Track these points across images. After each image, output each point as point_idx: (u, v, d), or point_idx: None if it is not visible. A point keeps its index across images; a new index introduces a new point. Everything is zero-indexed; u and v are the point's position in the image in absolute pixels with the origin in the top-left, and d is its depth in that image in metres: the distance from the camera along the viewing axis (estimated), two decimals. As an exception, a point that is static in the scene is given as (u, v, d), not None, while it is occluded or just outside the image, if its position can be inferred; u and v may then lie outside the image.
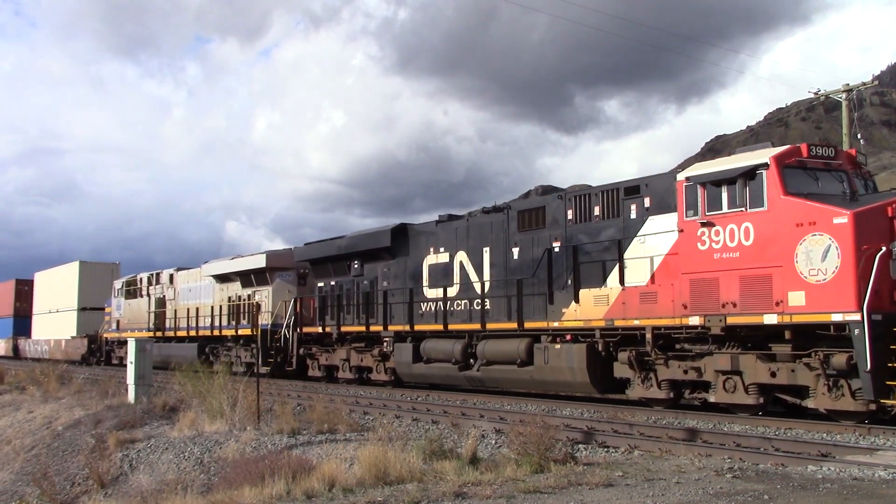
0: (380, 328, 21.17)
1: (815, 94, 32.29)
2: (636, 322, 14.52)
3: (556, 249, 16.41)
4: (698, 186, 13.61)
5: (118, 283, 38.60)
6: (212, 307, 29.86)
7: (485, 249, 18.37)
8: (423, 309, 19.90)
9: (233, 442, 12.90)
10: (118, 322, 37.80)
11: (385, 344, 20.96)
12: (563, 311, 16.04)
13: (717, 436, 11.09)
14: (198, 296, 31.43)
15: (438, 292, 19.39)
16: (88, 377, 26.31)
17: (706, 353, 13.71)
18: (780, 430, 11.96)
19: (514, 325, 17.13)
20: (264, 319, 26.38)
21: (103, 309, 40.88)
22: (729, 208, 13.17)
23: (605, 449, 10.70)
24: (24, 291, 52.63)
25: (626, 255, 14.90)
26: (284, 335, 25.34)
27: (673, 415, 14.03)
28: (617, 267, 15.06)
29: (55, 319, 46.11)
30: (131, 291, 36.86)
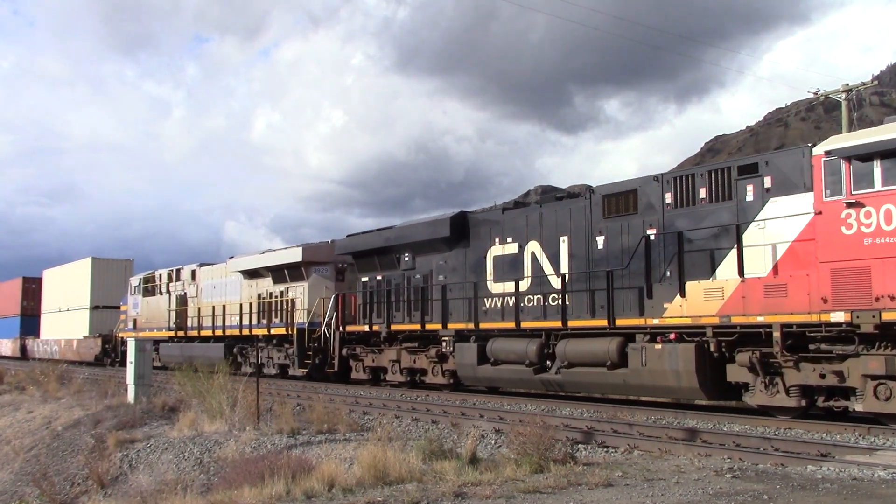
0: (438, 327, 19.29)
1: (815, 94, 32.32)
2: (760, 319, 12.69)
3: (652, 237, 14.67)
4: (842, 162, 11.92)
5: (135, 280, 36.82)
6: (240, 305, 28.02)
7: (562, 239, 16.62)
8: (487, 305, 18.19)
9: (232, 442, 12.90)
10: (135, 321, 35.98)
11: (444, 344, 19.09)
12: (665, 306, 14.24)
13: (717, 436, 11.09)
14: (223, 293, 29.67)
15: (506, 287, 17.67)
16: (88, 377, 26.32)
17: (851, 355, 11.89)
18: (780, 430, 11.96)
19: (602, 323, 15.36)
20: (300, 317, 24.82)
21: (118, 307, 39.48)
22: (884, 185, 11.49)
23: (605, 449, 10.71)
24: (31, 290, 51.25)
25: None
26: (324, 334, 23.54)
27: (672, 415, 14.03)
28: (731, 256, 13.34)
29: (66, 318, 44.54)
30: (149, 289, 35.02)
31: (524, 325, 17.03)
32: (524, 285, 17.30)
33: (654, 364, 14.13)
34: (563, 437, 10.78)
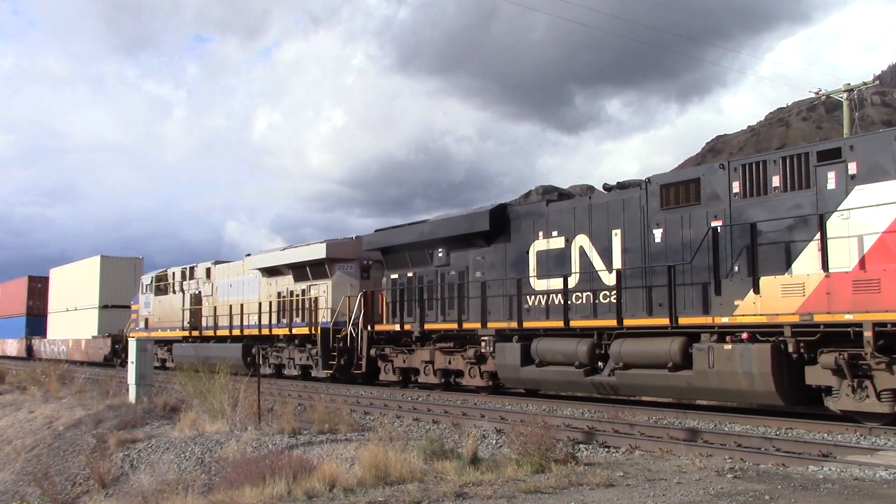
0: (476, 326, 18.22)
1: (816, 93, 32.32)
2: (848, 317, 11.73)
3: (718, 229, 13.72)
4: None
5: (146, 279, 35.67)
6: (258, 304, 27.03)
7: (614, 232, 15.67)
8: (530, 303, 17.20)
9: (233, 442, 12.91)
10: (146, 320, 34.94)
11: (483, 344, 17.96)
12: (736, 303, 13.21)
13: (718, 436, 11.09)
14: (240, 291, 28.63)
15: (551, 283, 16.71)
16: (89, 377, 26.33)
17: None
18: (781, 430, 11.95)
19: (662, 321, 14.39)
20: (324, 317, 23.93)
21: (127, 307, 38.59)
22: None
23: (606, 449, 10.71)
24: (37, 289, 50.44)
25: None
26: (350, 334, 22.44)
27: (674, 415, 14.02)
28: (810, 249, 12.43)
29: (73, 318, 43.59)
30: (161, 287, 33.94)
31: (573, 323, 16.00)
32: (571, 282, 16.38)
33: (724, 366, 13.09)
34: (565, 437, 10.79)
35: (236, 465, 11.01)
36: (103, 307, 40.99)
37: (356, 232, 28.67)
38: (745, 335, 13.05)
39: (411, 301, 20.59)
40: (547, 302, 16.83)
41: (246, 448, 12.42)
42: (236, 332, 28.16)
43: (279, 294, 26.39)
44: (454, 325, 18.94)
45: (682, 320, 14.09)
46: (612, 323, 15.24)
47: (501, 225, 18.19)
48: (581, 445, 10.89)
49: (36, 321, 49.43)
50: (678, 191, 14.71)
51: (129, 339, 35.95)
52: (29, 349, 48.34)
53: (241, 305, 28.01)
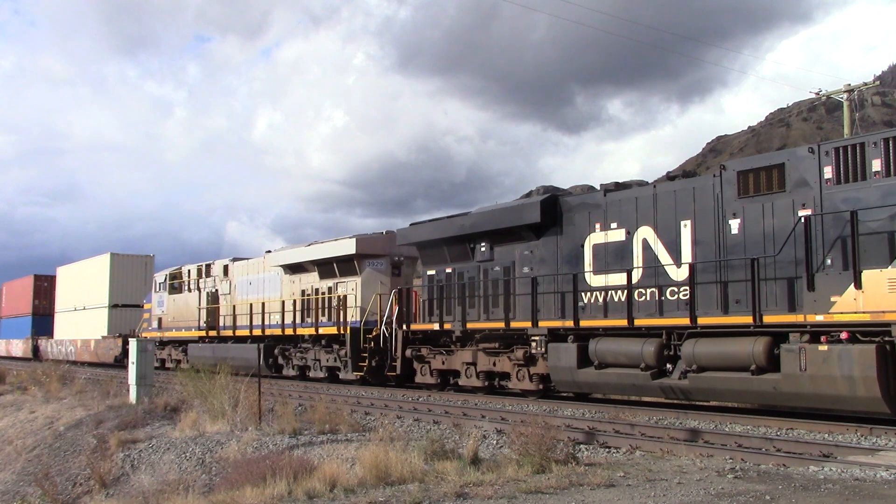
0: (526, 325, 16.97)
1: (817, 94, 32.33)
2: None
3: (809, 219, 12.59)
4: None
5: (160, 277, 34.30)
6: (281, 302, 25.80)
7: (683, 223, 14.58)
8: (585, 300, 16.13)
9: (234, 442, 12.91)
10: (160, 320, 33.62)
11: (534, 344, 16.75)
12: (833, 299, 11.97)
13: (719, 436, 11.09)
14: (260, 289, 27.38)
15: (610, 279, 15.67)
16: (90, 377, 26.34)
17: None
18: (782, 430, 11.95)
19: (743, 320, 13.22)
20: (353, 316, 22.74)
21: (138, 306, 37.52)
22: None
23: (607, 449, 10.71)
24: (43, 288, 48.91)
25: None
26: (383, 334, 21.32)
27: (675, 415, 14.01)
28: None
29: (82, 317, 42.16)
30: (176, 286, 32.66)
31: (638, 322, 14.84)
32: (635, 277, 15.27)
33: (818, 369, 11.93)
34: (565, 438, 10.78)
35: (237, 466, 11.02)
36: (113, 306, 39.73)
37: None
38: (843, 335, 11.90)
39: (450, 299, 19.44)
40: (605, 299, 15.77)
41: (246, 448, 12.42)
42: (257, 332, 26.93)
43: (303, 292, 25.30)
44: (500, 325, 17.68)
45: (768, 318, 12.94)
46: (684, 321, 14.04)
47: (552, 216, 17.01)
48: (582, 446, 10.90)
49: (42, 321, 48.05)
50: (759, 177, 13.60)
51: (139, 339, 35.89)
52: (35, 349, 47.10)
53: (263, 304, 26.71)
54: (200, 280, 31.13)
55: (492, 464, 9.47)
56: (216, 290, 30.12)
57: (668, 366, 14.42)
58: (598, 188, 16.99)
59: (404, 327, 20.61)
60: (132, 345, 20.02)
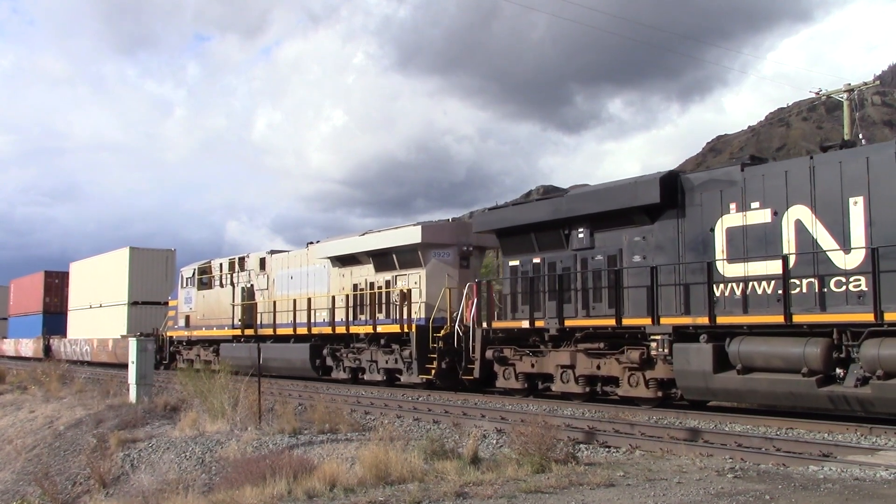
0: (644, 321, 14.79)
1: (817, 93, 32.32)
2: None
3: None
4: None
5: (187, 271, 31.97)
6: (331, 297, 23.52)
7: (853, 200, 12.41)
8: (717, 293, 14.02)
9: (234, 442, 12.91)
10: (187, 318, 31.32)
11: (654, 345, 14.57)
12: None
13: (719, 436, 11.10)
14: (303, 284, 25.20)
15: (751, 268, 13.53)
16: (90, 377, 26.31)
17: None
18: (782, 430, 11.96)
19: None
20: (416, 312, 20.66)
21: (159, 303, 35.75)
22: None
23: (607, 449, 10.71)
24: (54, 285, 46.76)
25: None
26: (457, 333, 19.15)
27: (674, 415, 14.00)
28: None
29: (98, 316, 39.83)
30: (205, 281, 30.42)
31: (799, 318, 12.65)
32: (779, 265, 13.20)
33: None
34: (565, 437, 10.79)
35: (237, 465, 11.02)
36: (133, 304, 37.34)
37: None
38: None
39: (540, 292, 17.21)
40: (744, 291, 13.59)
41: (246, 448, 12.42)
42: (302, 331, 24.51)
43: (355, 286, 23.10)
44: (609, 322, 15.50)
45: None
46: (864, 317, 11.84)
47: (672, 197, 14.93)
48: (581, 445, 10.90)
49: (54, 319, 45.74)
50: None
51: (165, 338, 32.91)
52: (47, 349, 44.14)
53: (309, 299, 24.24)
54: (233, 274, 28.88)
55: (492, 463, 9.48)
56: (251, 286, 27.89)
57: (839, 371, 12.23)
58: (733, 162, 15.00)
59: (484, 325, 18.32)
60: (132, 344, 20.00)
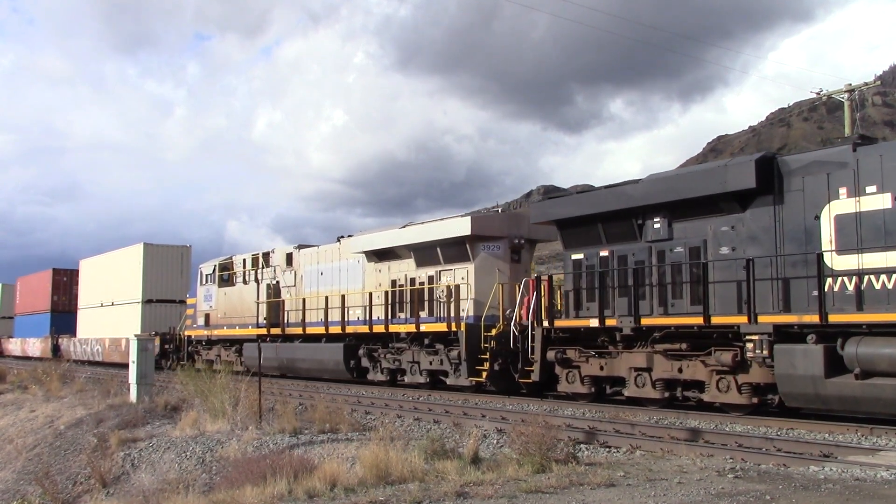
0: (738, 320, 13.38)
1: (818, 93, 32.33)
2: None
3: None
4: None
5: (207, 268, 30.51)
6: (367, 294, 22.08)
7: None
8: (825, 288, 12.64)
9: (234, 441, 12.92)
10: (207, 316, 29.98)
11: (751, 346, 13.15)
12: None
13: (719, 436, 11.10)
14: (335, 280, 23.91)
15: (867, 259, 12.23)
16: (90, 376, 26.32)
17: None
18: (782, 430, 11.96)
19: None
20: (467, 310, 19.17)
21: (174, 301, 35.07)
22: None
23: (607, 449, 10.71)
24: (62, 283, 45.38)
25: None
26: (512, 333, 17.83)
27: (675, 415, 14.00)
28: None
29: (110, 314, 38.46)
30: (226, 278, 29.08)
31: None
32: None
33: None
34: (566, 437, 10.78)
35: (237, 465, 11.03)
36: (147, 302, 35.99)
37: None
38: None
39: (609, 288, 15.96)
40: (857, 286, 12.33)
41: (247, 447, 12.42)
42: (335, 330, 23.10)
43: (394, 282, 21.73)
44: (695, 320, 14.07)
45: None
46: None
47: (766, 182, 13.62)
48: (582, 445, 10.90)
49: (63, 318, 44.13)
50: None
51: (183, 338, 32.00)
52: (55, 349, 42.40)
53: (343, 297, 22.98)
54: (258, 271, 27.48)
55: (492, 463, 9.48)
56: (277, 282, 26.52)
57: None
58: (841, 142, 13.90)
59: (545, 324, 16.88)
60: (132, 344, 20.02)
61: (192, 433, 14.16)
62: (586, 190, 16.91)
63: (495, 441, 11.58)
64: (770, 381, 13.13)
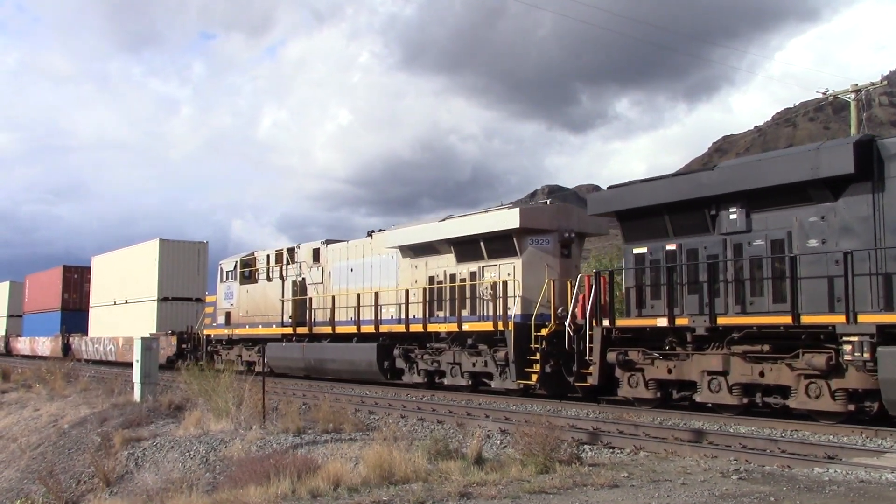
0: (834, 319, 12.19)
1: (824, 94, 32.22)
2: None
3: None
4: None
5: (227, 264, 29.48)
6: (404, 292, 20.71)
7: None
8: None
9: (238, 441, 12.92)
10: (228, 315, 28.86)
11: (848, 348, 11.91)
12: None
13: (723, 437, 11.07)
14: (366, 277, 22.73)
15: None
16: (94, 375, 26.37)
17: None
18: (787, 431, 11.92)
19: None
20: (514, 308, 17.98)
21: (193, 299, 34.17)
22: None
23: (611, 450, 10.69)
24: (73, 280, 44.30)
25: None
26: (567, 333, 16.48)
27: (679, 416, 13.96)
28: None
29: (124, 313, 37.44)
30: (248, 275, 27.98)
31: None
32: None
33: None
34: (569, 438, 10.77)
35: (241, 464, 11.02)
36: (163, 299, 34.94)
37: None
38: None
39: (678, 285, 14.72)
40: None
41: (250, 447, 12.42)
42: (367, 329, 21.91)
43: (431, 279, 20.50)
44: (782, 319, 12.88)
45: None
46: None
47: (865, 167, 12.34)
48: (585, 446, 10.88)
49: (73, 316, 43.01)
50: None
51: (202, 337, 30.87)
52: (66, 348, 41.49)
53: (376, 294, 21.75)
54: (282, 267, 26.31)
55: (495, 464, 9.46)
56: (303, 279, 25.41)
57: None
58: None
59: (605, 324, 15.70)
60: (136, 343, 20.03)
61: (196, 432, 14.17)
62: (650, 179, 15.79)
63: (499, 441, 11.57)
64: (869, 386, 11.94)
